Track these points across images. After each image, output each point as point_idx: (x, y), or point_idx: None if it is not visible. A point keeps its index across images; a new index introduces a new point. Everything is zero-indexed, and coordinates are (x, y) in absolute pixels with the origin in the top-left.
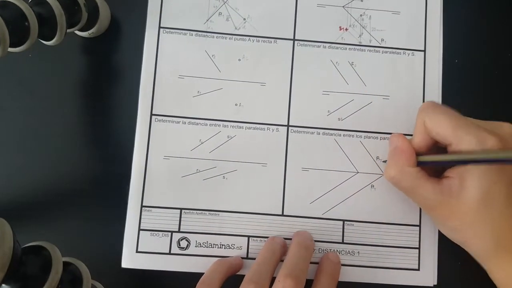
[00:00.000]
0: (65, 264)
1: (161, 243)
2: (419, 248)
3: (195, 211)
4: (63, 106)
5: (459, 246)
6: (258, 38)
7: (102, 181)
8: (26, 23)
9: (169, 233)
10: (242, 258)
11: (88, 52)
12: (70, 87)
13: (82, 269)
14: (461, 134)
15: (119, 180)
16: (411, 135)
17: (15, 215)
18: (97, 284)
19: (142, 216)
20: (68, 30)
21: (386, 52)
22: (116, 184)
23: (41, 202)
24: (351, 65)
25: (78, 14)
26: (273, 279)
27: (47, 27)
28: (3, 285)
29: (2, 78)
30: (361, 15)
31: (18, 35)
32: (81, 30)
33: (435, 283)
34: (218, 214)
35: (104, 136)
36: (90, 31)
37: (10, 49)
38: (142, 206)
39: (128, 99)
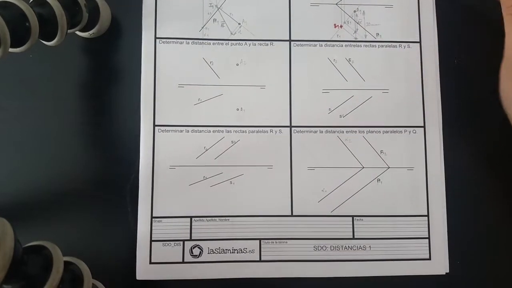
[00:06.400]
0: (66, 263)
1: (174, 252)
2: (429, 238)
3: (205, 218)
4: (63, 106)
5: (469, 231)
6: (254, 42)
7: (102, 182)
8: (27, 24)
9: (181, 242)
10: (255, 261)
11: (89, 53)
12: (70, 87)
13: (83, 268)
14: None
15: (120, 180)
16: (412, 126)
17: (16, 214)
18: (98, 283)
19: (153, 227)
20: (69, 31)
21: (382, 46)
22: (117, 184)
23: (40, 202)
24: (348, 61)
25: (79, 14)
26: None
27: (48, 27)
28: (3, 285)
29: (2, 79)
30: (354, 11)
31: (19, 35)
32: (81, 30)
33: (447, 271)
34: (228, 219)
35: (105, 137)
36: (90, 32)
37: (10, 50)
38: (152, 217)
39: (129, 100)
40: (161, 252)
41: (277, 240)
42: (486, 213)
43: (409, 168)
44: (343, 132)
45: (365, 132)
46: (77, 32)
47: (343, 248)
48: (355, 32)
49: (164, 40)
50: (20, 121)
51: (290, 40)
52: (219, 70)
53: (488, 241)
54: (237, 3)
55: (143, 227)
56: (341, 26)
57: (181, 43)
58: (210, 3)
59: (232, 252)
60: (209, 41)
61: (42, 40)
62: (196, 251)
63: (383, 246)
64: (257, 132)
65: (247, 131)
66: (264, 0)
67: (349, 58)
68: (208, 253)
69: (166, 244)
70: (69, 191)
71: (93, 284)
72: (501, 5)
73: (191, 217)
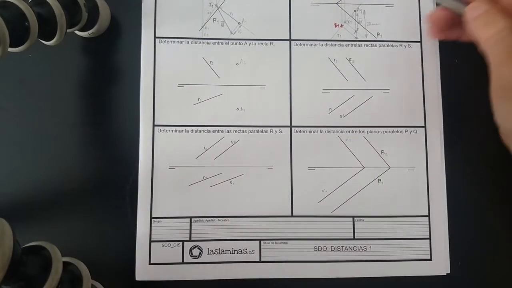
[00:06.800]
0: (65, 264)
1: (173, 253)
2: (429, 238)
3: (204, 219)
4: (63, 106)
5: (469, 232)
6: (254, 41)
7: (102, 182)
8: (26, 23)
9: (181, 243)
10: (255, 262)
11: (88, 52)
12: (70, 87)
13: (82, 269)
14: None
15: (119, 180)
16: (413, 126)
17: (15, 214)
18: (97, 284)
19: (152, 228)
20: (68, 30)
21: (383, 45)
22: (116, 185)
23: (40, 202)
24: (349, 61)
25: (78, 14)
26: None
27: (47, 27)
28: (2, 286)
29: (2, 78)
30: (355, 11)
31: (18, 35)
32: (81, 30)
33: (448, 271)
34: (228, 220)
35: (104, 137)
36: (90, 31)
37: (10, 49)
38: (151, 217)
39: (128, 99)
40: (161, 252)
41: (277, 241)
42: (487, 213)
43: (410, 168)
44: (343, 132)
45: (366, 132)
46: (77, 32)
47: (344, 249)
48: (355, 31)
49: (164, 39)
50: (19, 121)
51: (290, 40)
52: (219, 69)
53: (489, 241)
54: (237, 2)
55: (143, 228)
56: (341, 26)
57: (181, 42)
58: (210, 3)
59: (232, 253)
60: (209, 41)
61: (42, 39)
62: (195, 251)
63: (383, 246)
64: (257, 132)
65: (247, 131)
66: None
67: (350, 58)
68: (208, 254)
69: (166, 245)
70: (69, 191)
71: (92, 284)
72: (479, 42)
73: (190, 217)
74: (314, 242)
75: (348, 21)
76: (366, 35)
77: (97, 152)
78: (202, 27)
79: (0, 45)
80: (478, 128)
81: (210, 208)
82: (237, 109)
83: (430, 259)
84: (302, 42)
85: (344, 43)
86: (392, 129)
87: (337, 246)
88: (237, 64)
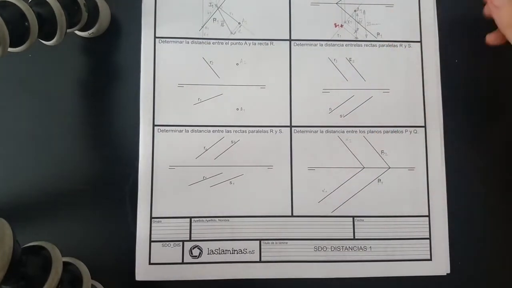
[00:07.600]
0: (65, 264)
1: (173, 253)
2: (429, 238)
3: (204, 219)
4: (63, 106)
5: (469, 232)
6: (254, 41)
7: (102, 182)
8: (26, 23)
9: (181, 243)
10: (255, 262)
11: (88, 52)
12: (70, 87)
13: (82, 269)
14: None
15: (119, 180)
16: (413, 126)
17: (15, 214)
18: (97, 284)
19: (152, 228)
20: (68, 30)
21: (382, 45)
22: (116, 185)
23: (40, 203)
24: (349, 61)
25: (78, 14)
26: None
27: (47, 27)
28: (2, 286)
29: (2, 78)
30: (355, 11)
31: (18, 35)
32: (81, 30)
33: (448, 271)
34: (228, 220)
35: (104, 136)
36: (90, 31)
37: (10, 49)
38: (151, 217)
39: (128, 99)
40: (161, 252)
41: (277, 241)
42: (487, 213)
43: (410, 168)
44: (343, 132)
45: (366, 132)
46: (77, 32)
47: (344, 249)
48: (355, 31)
49: (164, 39)
50: (19, 121)
51: (290, 40)
52: (219, 69)
53: (489, 241)
54: (237, 2)
55: (143, 228)
56: (341, 26)
57: (181, 42)
58: (210, 3)
59: (232, 253)
60: (208, 41)
61: (42, 39)
62: (195, 251)
63: (383, 246)
64: (257, 132)
65: (247, 131)
66: None
67: (350, 58)
68: (208, 254)
69: (166, 245)
70: (69, 191)
71: (92, 284)
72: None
73: (190, 217)
74: (314, 242)
75: (348, 21)
76: (366, 35)
77: (97, 152)
78: (202, 27)
79: (0, 45)
80: (478, 128)
81: (210, 208)
82: (237, 109)
83: (430, 259)
84: (302, 42)
85: (344, 43)
86: (392, 129)
87: (337, 246)
88: (237, 64)
